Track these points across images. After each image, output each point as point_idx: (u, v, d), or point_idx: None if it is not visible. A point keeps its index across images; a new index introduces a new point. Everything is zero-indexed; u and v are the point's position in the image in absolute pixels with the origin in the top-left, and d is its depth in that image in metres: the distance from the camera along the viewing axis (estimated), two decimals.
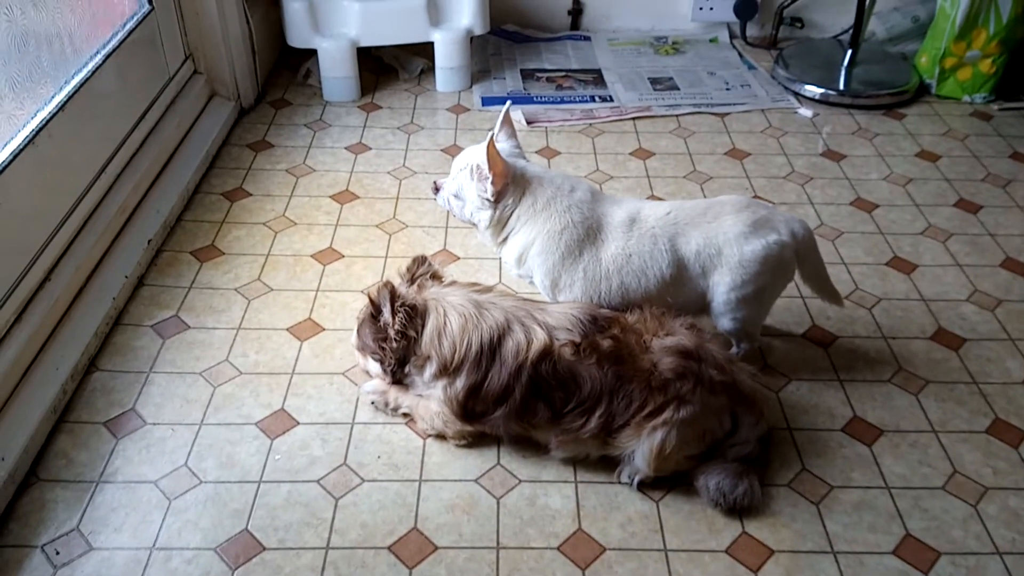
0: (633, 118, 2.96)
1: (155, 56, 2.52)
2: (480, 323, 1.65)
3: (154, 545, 1.52)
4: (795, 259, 1.80)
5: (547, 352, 1.61)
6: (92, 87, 2.14)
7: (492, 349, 1.63)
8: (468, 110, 2.98)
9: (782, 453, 1.73)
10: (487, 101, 3.02)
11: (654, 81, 3.19)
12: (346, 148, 2.74)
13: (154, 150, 2.39)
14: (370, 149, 2.74)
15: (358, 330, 1.82)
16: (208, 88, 2.79)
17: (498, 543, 1.54)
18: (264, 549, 1.52)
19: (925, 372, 1.94)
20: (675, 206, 1.81)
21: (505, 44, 3.43)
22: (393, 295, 1.70)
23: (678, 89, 3.14)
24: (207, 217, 2.39)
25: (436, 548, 1.53)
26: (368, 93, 3.07)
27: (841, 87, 3.08)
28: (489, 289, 1.76)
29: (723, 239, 1.74)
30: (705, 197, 2.50)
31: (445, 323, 1.67)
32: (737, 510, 1.60)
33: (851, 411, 1.84)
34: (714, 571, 1.50)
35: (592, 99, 3.07)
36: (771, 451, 1.71)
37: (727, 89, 3.13)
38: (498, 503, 1.62)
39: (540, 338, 1.62)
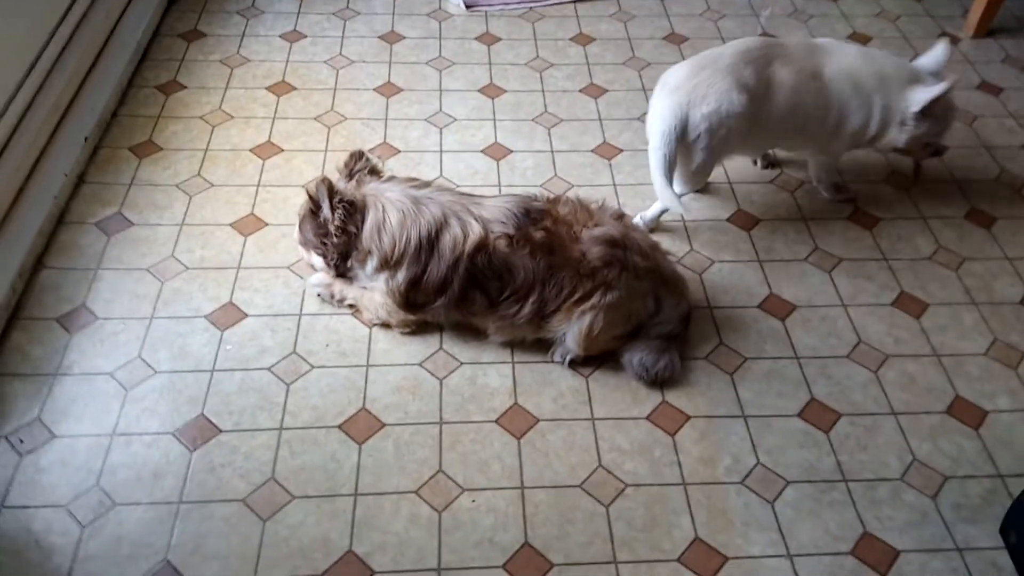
0: (574, 1, 2.94)
1: None
2: (418, 218, 1.72)
3: (114, 431, 1.62)
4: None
5: (483, 245, 1.69)
6: None
7: (430, 243, 1.71)
8: None
9: (702, 330, 1.87)
10: None
11: None
12: (280, 36, 2.69)
13: (83, 44, 2.33)
14: (305, 37, 2.69)
15: (300, 226, 1.87)
16: None
17: (441, 419, 1.67)
18: (220, 432, 1.63)
19: (840, 251, 2.07)
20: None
21: None
22: (331, 191, 1.74)
23: None
24: (142, 112, 2.36)
25: (384, 425, 1.66)
26: None
27: None
28: (427, 184, 1.81)
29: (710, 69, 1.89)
30: (643, 85, 2.56)
31: (384, 218, 1.73)
32: (658, 382, 1.75)
33: (768, 289, 1.97)
34: (636, 435, 1.66)
35: None
36: (692, 328, 1.85)
37: None
38: (441, 383, 1.74)
39: (476, 231, 1.70)
